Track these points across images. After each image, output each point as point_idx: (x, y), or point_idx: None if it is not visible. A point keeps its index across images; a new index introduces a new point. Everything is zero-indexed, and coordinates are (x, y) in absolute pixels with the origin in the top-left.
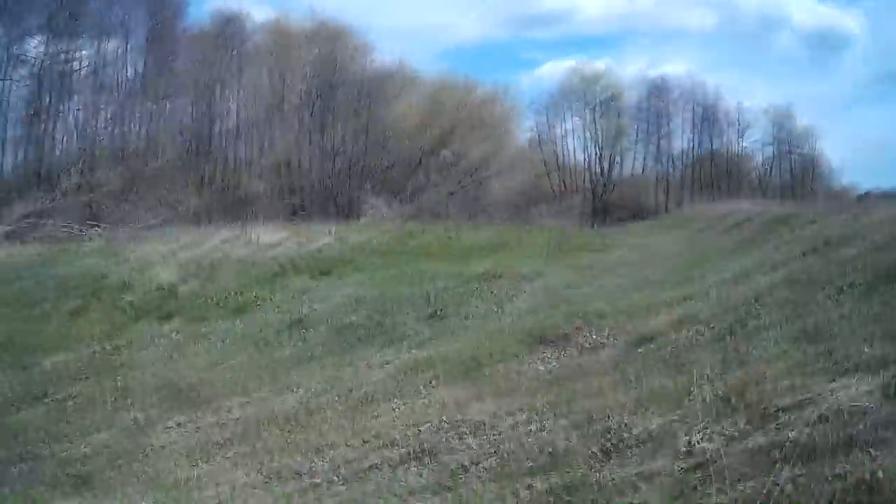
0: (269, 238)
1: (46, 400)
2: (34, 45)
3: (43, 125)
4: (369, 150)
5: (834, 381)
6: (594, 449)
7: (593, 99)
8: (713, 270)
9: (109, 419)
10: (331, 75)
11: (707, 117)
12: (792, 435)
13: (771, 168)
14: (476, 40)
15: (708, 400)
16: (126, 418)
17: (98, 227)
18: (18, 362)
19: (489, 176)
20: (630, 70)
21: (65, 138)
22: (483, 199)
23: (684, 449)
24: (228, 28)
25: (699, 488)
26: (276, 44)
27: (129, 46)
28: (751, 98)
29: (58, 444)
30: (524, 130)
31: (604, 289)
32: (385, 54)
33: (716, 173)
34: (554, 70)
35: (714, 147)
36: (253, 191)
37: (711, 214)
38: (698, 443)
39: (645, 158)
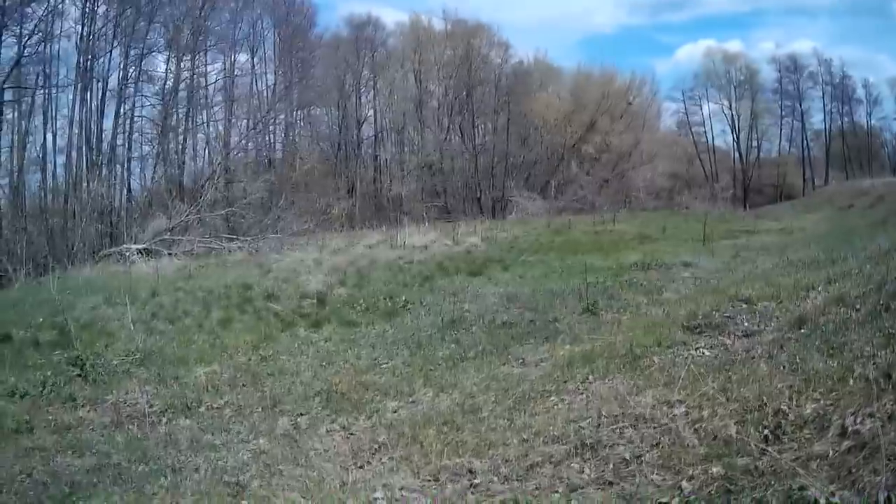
0: (418, 240)
1: (198, 410)
2: (160, 62)
3: (177, 141)
4: (512, 147)
5: None
6: (758, 435)
7: (732, 80)
8: (857, 250)
9: (264, 427)
10: (470, 74)
11: (837, 94)
12: None
13: None
14: (611, 27)
15: (864, 380)
16: (281, 425)
17: (238, 239)
18: (168, 374)
19: (634, 166)
20: (761, 49)
21: (204, 151)
22: (629, 189)
23: (844, 430)
24: (363, 32)
25: (856, 470)
26: (412, 46)
27: (258, 58)
28: (876, 72)
29: (212, 453)
30: (666, 115)
31: (754, 273)
32: (522, 49)
33: (850, 150)
34: (689, 53)
35: (847, 124)
36: (398, 193)
37: (850, 192)
38: (856, 423)
39: (782, 138)
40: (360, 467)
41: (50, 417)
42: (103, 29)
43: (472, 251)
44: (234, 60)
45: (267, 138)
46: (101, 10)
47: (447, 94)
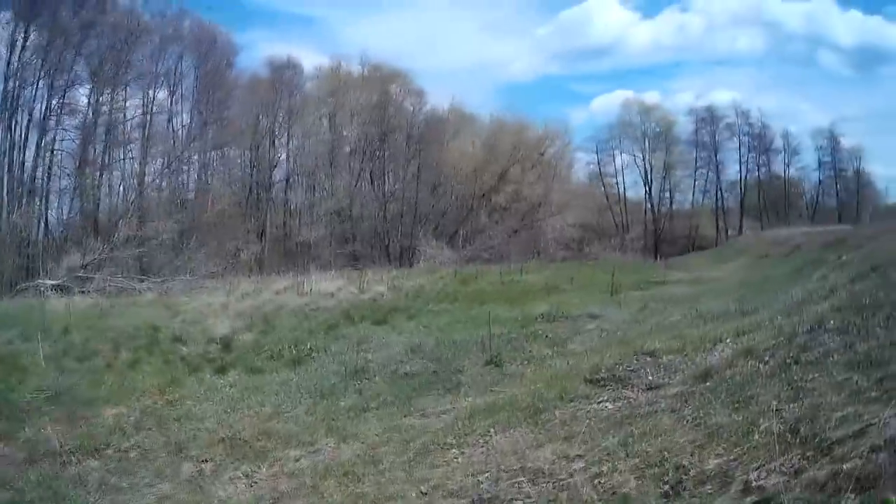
0: (326, 287)
1: (105, 452)
2: (82, 95)
3: (93, 176)
4: (422, 196)
5: (889, 408)
6: (658, 491)
7: (647, 132)
8: (770, 300)
9: (169, 471)
10: (384, 120)
11: (755, 145)
12: (849, 465)
13: (820, 192)
14: (529, 76)
15: (770, 434)
16: (186, 470)
17: (150, 279)
18: (78, 414)
19: (544, 216)
20: (679, 100)
21: (119, 188)
22: (540, 239)
23: (747, 486)
24: (282, 75)
25: None
26: (329, 90)
27: (178, 95)
28: (798, 121)
29: (118, 495)
30: (580, 166)
31: (662, 325)
32: (439, 96)
33: (767, 200)
34: (605, 103)
35: (764, 174)
36: (309, 239)
37: (766, 242)
38: (760, 478)
39: (697, 189)
40: None
41: None
42: (32, 58)
43: (377, 300)
44: (154, 97)
45: (181, 178)
46: (32, 38)
47: (361, 139)
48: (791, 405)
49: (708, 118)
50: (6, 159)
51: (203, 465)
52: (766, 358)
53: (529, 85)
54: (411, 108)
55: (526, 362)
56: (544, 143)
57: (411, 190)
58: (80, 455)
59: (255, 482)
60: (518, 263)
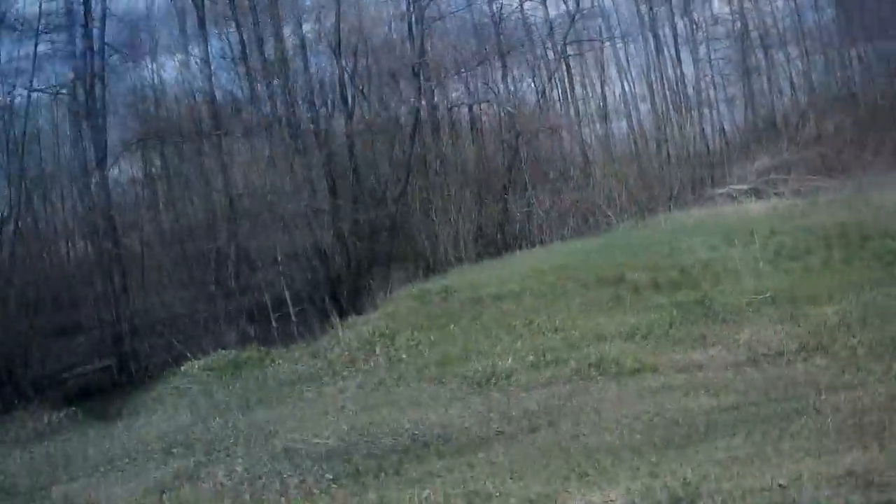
0: None
1: (832, 349)
2: (724, 4)
3: (761, 81)
4: None
5: None
6: None
7: None
8: None
9: None
10: None
11: None
12: None
13: None
14: None
15: None
16: None
17: (836, 177)
18: (797, 313)
19: None
20: None
21: (788, 91)
22: None
23: None
24: None
25: None
26: None
27: None
28: None
29: (839, 394)
30: None
31: None
32: None
33: None
34: None
35: None
36: None
37: None
38: None
39: None
40: None
41: (676, 357)
42: None
43: None
44: None
45: (845, 73)
46: None
47: None
48: None
49: None
50: (662, 76)
51: None
52: None
53: None
54: None
55: None
56: None
57: None
58: (806, 353)
59: None
60: None
